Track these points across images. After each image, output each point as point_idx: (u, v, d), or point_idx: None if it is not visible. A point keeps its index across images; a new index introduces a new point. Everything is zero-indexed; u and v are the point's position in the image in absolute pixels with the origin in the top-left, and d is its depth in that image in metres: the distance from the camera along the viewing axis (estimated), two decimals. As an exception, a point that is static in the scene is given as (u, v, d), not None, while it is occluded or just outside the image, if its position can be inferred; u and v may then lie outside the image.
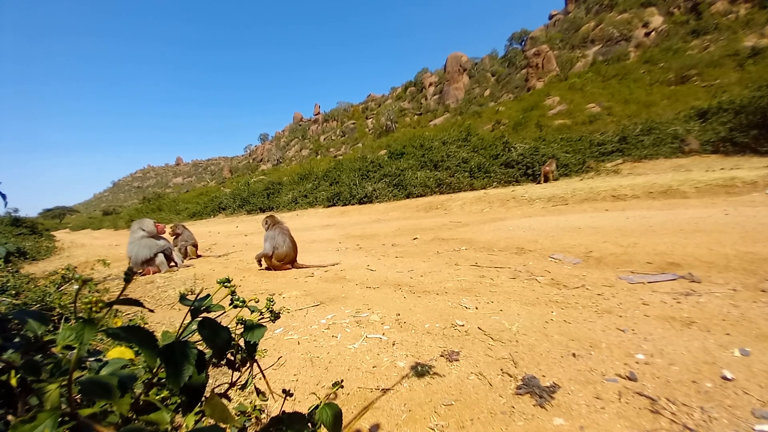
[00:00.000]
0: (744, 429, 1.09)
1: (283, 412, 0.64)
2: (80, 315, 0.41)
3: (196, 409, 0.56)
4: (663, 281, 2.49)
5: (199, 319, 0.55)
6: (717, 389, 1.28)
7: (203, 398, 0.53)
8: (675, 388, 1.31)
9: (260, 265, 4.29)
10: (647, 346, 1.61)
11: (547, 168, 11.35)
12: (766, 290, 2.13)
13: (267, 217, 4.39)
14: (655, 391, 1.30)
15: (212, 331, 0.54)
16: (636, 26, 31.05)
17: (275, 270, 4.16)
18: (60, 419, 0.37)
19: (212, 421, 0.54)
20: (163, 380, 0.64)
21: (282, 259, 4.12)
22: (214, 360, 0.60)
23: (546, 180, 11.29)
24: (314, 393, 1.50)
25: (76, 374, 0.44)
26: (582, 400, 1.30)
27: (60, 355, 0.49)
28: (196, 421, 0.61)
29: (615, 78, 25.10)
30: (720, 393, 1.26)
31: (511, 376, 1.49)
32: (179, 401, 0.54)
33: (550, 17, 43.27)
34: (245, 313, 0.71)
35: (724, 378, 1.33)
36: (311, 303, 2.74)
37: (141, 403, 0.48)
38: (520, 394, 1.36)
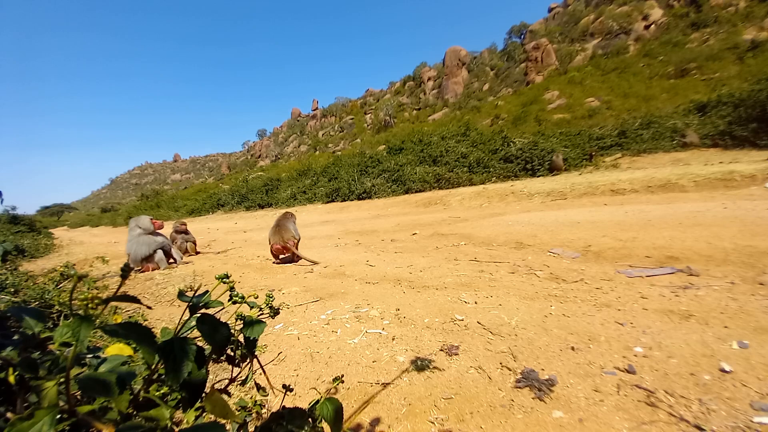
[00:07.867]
0: (742, 421, 1.10)
1: (284, 407, 0.64)
2: (77, 312, 0.41)
3: (197, 405, 0.56)
4: (661, 275, 2.50)
5: (198, 315, 0.55)
6: (715, 382, 1.29)
7: (203, 394, 0.53)
8: (673, 381, 1.32)
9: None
10: (646, 340, 1.62)
11: (558, 160, 11.72)
12: (764, 283, 2.14)
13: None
14: (654, 384, 1.31)
15: (211, 327, 0.54)
16: (636, 19, 30.82)
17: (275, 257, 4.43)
18: (58, 416, 0.37)
19: (212, 417, 0.54)
20: (163, 376, 0.64)
21: (271, 246, 4.41)
22: (213, 356, 0.60)
23: (557, 170, 11.63)
24: (315, 388, 1.51)
25: (74, 371, 0.44)
26: (581, 393, 1.30)
27: (58, 352, 0.49)
28: (197, 417, 0.61)
29: (614, 72, 24.97)
30: (718, 385, 1.27)
31: (510, 370, 1.50)
32: (179, 397, 0.54)
33: (550, 10, 42.90)
34: (245, 309, 0.71)
35: (723, 370, 1.34)
36: (311, 299, 2.75)
37: (140, 399, 0.48)
38: (520, 388, 1.37)
